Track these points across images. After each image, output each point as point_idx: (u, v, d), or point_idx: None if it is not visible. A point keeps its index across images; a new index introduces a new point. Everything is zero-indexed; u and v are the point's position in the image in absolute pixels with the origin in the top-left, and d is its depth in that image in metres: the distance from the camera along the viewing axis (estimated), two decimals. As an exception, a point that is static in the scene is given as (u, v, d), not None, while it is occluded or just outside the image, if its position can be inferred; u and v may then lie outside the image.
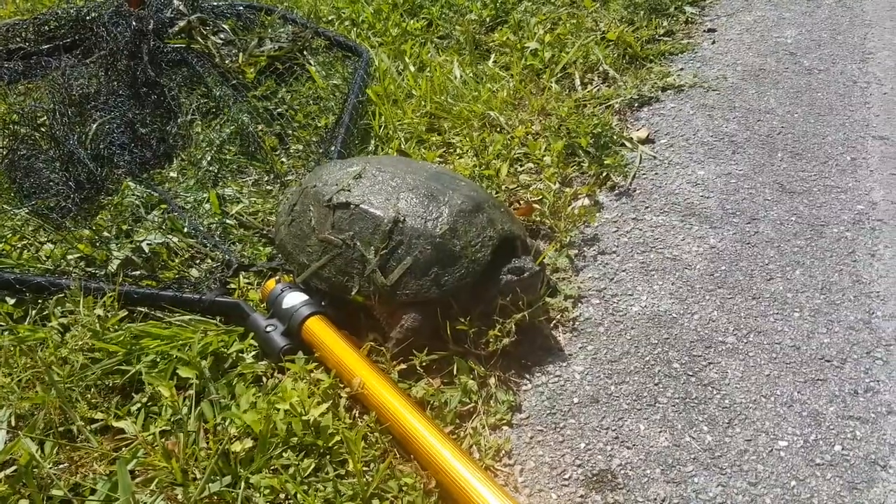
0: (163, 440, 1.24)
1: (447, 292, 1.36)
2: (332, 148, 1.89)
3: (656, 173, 1.94)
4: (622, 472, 1.22)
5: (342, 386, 1.31)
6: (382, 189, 1.43)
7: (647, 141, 2.08)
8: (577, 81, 2.29)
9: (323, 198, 1.46)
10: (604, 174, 1.92)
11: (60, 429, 1.27)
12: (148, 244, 1.61)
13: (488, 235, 1.39)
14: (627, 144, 2.04)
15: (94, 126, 1.95)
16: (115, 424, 1.29)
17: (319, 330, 1.37)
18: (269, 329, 1.39)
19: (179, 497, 1.16)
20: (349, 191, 1.44)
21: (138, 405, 1.32)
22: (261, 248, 1.65)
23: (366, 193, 1.42)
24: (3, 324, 1.45)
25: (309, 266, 1.44)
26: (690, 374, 1.38)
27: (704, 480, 1.20)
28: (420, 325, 1.37)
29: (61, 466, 1.22)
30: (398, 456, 1.23)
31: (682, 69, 2.42)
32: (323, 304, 1.44)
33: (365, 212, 1.39)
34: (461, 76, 2.29)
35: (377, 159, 1.63)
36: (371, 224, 1.38)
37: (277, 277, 1.49)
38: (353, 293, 1.39)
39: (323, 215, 1.45)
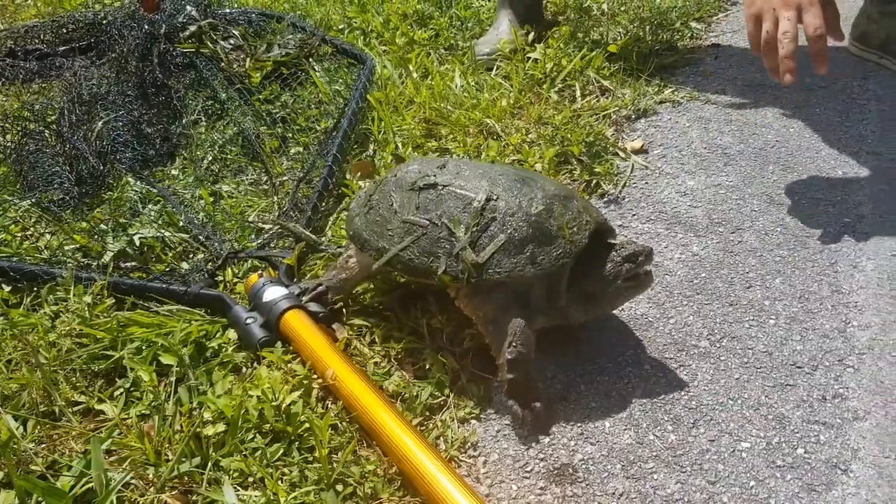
0: (140, 423, 1.29)
1: (543, 271, 1.29)
2: (329, 151, 1.94)
3: (646, 182, 1.97)
4: (583, 466, 1.24)
5: (316, 377, 1.34)
6: (471, 175, 1.38)
7: (641, 151, 2.11)
8: (578, 92, 2.32)
9: (406, 184, 1.42)
10: (594, 182, 1.95)
11: (43, 409, 1.31)
12: (140, 237, 1.66)
13: (585, 220, 1.34)
14: (621, 154, 2.07)
15: (100, 123, 2.01)
16: (97, 407, 1.33)
17: (296, 323, 1.41)
18: (248, 321, 1.43)
19: (151, 476, 1.20)
20: (435, 176, 1.40)
21: (121, 390, 1.37)
22: (250, 244, 1.70)
23: (454, 177, 1.38)
24: (-2, 309, 1.50)
25: (388, 250, 1.39)
26: (661, 375, 1.40)
27: (664, 477, 1.22)
28: (529, 331, 1.30)
29: (42, 445, 1.26)
30: (366, 445, 1.26)
31: (682, 83, 2.44)
32: (299, 296, 1.47)
33: (454, 192, 1.35)
34: (462, 84, 2.33)
35: (459, 158, 1.65)
36: (461, 203, 1.34)
37: (260, 272, 1.54)
38: (439, 272, 1.33)
39: (407, 199, 1.40)
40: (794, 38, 1.55)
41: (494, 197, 1.32)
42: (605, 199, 1.91)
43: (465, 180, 1.37)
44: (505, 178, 1.36)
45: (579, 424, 1.31)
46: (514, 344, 1.28)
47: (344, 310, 1.53)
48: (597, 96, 2.33)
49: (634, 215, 1.84)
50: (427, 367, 1.40)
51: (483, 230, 1.31)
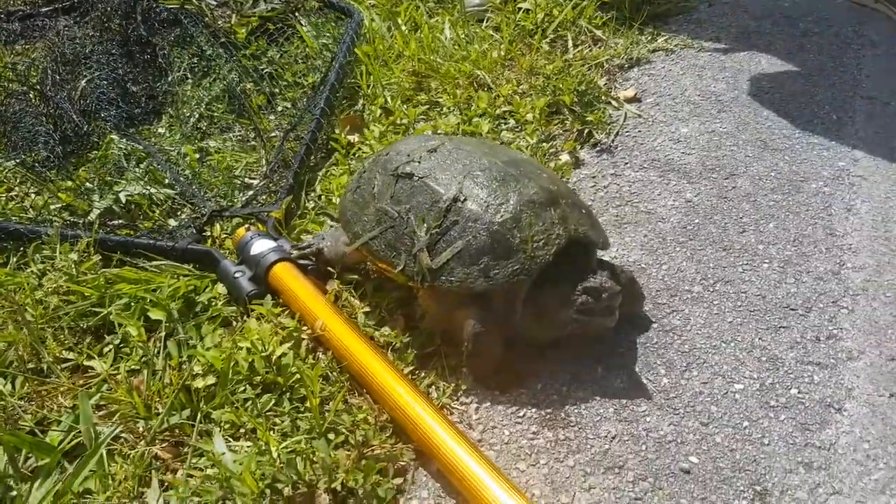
0: (130, 378, 1.28)
1: (495, 286, 1.21)
2: (316, 104, 1.91)
3: (639, 131, 1.94)
4: (576, 410, 1.23)
5: (306, 329, 1.33)
6: (452, 166, 1.30)
7: (634, 100, 2.08)
8: (570, 43, 2.29)
9: (390, 166, 1.35)
10: (587, 132, 1.92)
11: (31, 366, 1.30)
12: (126, 195, 1.64)
13: (556, 233, 1.22)
14: (613, 103, 2.04)
15: (83, 82, 1.97)
16: (86, 363, 1.32)
17: (285, 275, 1.39)
18: (237, 275, 1.42)
19: (141, 429, 1.19)
20: (418, 162, 1.33)
21: (110, 346, 1.35)
22: (235, 200, 1.68)
23: (434, 168, 1.31)
24: (-17, 269, 1.49)
25: (361, 236, 1.34)
26: (653, 320, 1.39)
27: (657, 420, 1.21)
28: (485, 332, 1.24)
29: (31, 402, 1.25)
30: (357, 394, 1.26)
31: (675, 31, 2.40)
32: (293, 252, 1.46)
33: (426, 185, 1.28)
34: (451, 37, 2.29)
35: (460, 138, 1.52)
36: (429, 199, 1.27)
37: (247, 225, 1.52)
38: (396, 270, 1.28)
39: (386, 184, 1.34)
40: None
41: (462, 197, 1.25)
42: (598, 148, 1.89)
43: (443, 172, 1.29)
44: (484, 175, 1.27)
45: (571, 370, 1.30)
46: (470, 350, 1.24)
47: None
48: (589, 46, 2.29)
49: (627, 164, 1.82)
50: (418, 316, 1.38)
51: (443, 233, 1.24)
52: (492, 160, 1.31)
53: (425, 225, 1.26)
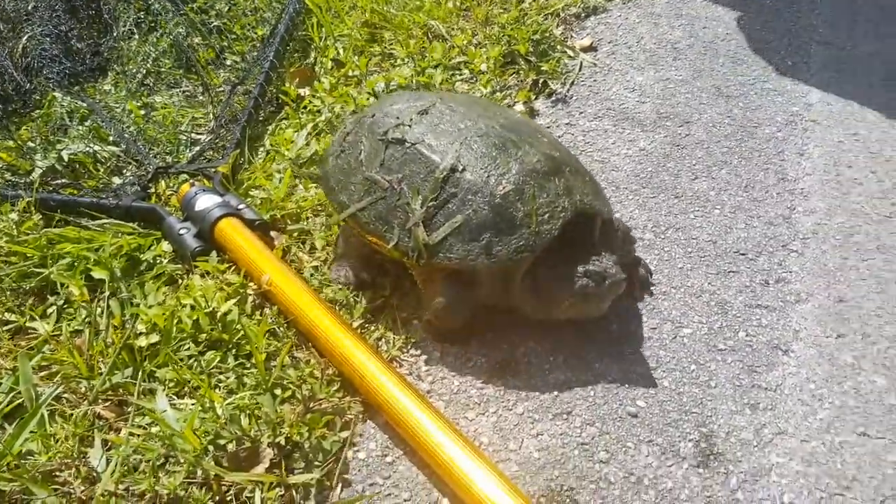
0: (73, 338, 1.25)
1: (497, 264, 1.14)
2: (265, 57, 1.86)
3: (595, 80, 1.92)
4: (525, 359, 1.23)
5: (252, 284, 1.31)
6: (447, 130, 1.22)
7: (590, 49, 2.05)
8: (526, -8, 2.25)
9: (378, 129, 1.26)
10: (541, 81, 1.90)
11: (-30, 329, 1.28)
12: (69, 153, 1.59)
13: (561, 206, 1.15)
14: (569, 52, 2.01)
15: (25, 39, 1.91)
16: (28, 325, 1.29)
17: (231, 231, 1.36)
18: (182, 231, 1.39)
19: (83, 389, 1.17)
20: (409, 126, 1.24)
21: (53, 307, 1.32)
22: (182, 156, 1.64)
23: (426, 132, 1.22)
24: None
25: (348, 206, 1.25)
26: (604, 268, 1.38)
27: (605, 366, 1.21)
28: (455, 304, 1.20)
29: (-29, 365, 1.23)
30: (304, 349, 1.24)
31: (633, -21, 2.37)
32: (239, 207, 1.43)
33: (420, 153, 1.19)
34: (405, -13, 2.24)
35: (453, 96, 1.40)
36: (424, 168, 1.18)
37: (192, 181, 1.49)
38: (389, 245, 1.20)
39: (374, 150, 1.25)
40: None
41: (460, 167, 1.16)
42: (553, 97, 1.86)
43: (437, 137, 1.20)
44: (482, 142, 1.18)
45: (522, 320, 1.29)
46: (432, 319, 1.23)
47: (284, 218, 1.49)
48: (545, -5, 2.26)
49: (582, 113, 1.80)
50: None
51: (441, 206, 1.15)
52: (489, 124, 1.23)
53: (420, 197, 1.17)
